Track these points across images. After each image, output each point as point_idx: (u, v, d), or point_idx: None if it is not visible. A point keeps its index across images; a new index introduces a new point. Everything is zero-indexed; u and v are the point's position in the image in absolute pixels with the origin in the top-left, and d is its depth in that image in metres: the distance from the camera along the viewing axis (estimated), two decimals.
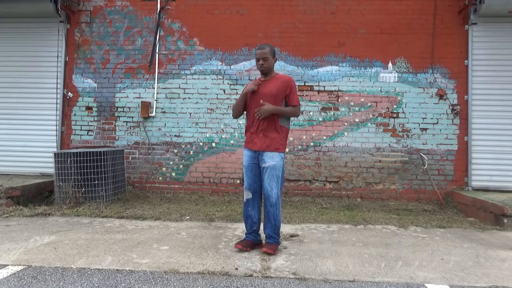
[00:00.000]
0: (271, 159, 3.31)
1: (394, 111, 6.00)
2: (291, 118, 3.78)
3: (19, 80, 6.46)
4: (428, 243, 3.78)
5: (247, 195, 3.43)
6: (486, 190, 5.72)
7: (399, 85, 6.02)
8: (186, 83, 6.28)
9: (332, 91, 6.09)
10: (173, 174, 6.21)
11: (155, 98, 6.28)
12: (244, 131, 3.64)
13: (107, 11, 6.44)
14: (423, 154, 5.83)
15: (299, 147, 6.07)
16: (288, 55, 6.16)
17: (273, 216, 3.32)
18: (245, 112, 3.59)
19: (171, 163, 6.22)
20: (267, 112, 3.29)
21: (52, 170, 5.65)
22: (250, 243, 3.41)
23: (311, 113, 6.09)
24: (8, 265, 2.93)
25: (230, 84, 6.21)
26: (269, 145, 3.35)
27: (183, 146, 6.22)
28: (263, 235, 3.48)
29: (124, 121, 6.35)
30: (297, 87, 6.01)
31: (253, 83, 3.46)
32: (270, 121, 3.36)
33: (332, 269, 2.97)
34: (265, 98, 3.34)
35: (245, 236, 3.50)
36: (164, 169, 6.23)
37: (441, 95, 5.92)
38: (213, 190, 6.11)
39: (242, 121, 5.78)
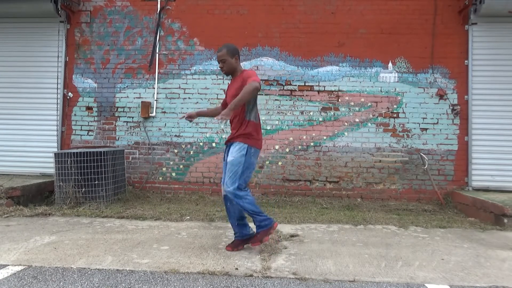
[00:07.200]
0: (230, 154, 3.31)
1: (394, 111, 6.00)
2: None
3: (19, 80, 6.46)
4: (428, 243, 3.78)
5: (223, 191, 3.40)
6: (486, 190, 5.72)
7: (399, 85, 6.02)
8: (186, 83, 6.28)
9: (332, 91, 6.09)
10: (173, 174, 6.21)
11: (155, 98, 6.28)
12: None
13: (107, 11, 6.44)
14: (423, 154, 5.83)
15: (299, 147, 6.07)
16: (288, 55, 6.16)
17: (241, 207, 3.24)
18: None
19: (171, 163, 6.22)
20: (224, 116, 3.07)
21: (52, 170, 5.65)
22: (239, 242, 3.42)
23: (311, 113, 6.09)
24: (8, 265, 2.93)
25: None
26: (233, 136, 3.37)
27: (183, 146, 6.21)
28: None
29: (124, 121, 6.35)
30: (297, 86, 6.12)
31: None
32: (235, 117, 3.36)
33: (332, 269, 2.97)
34: (230, 98, 3.33)
35: (234, 237, 3.50)
36: (164, 169, 6.23)
37: (441, 95, 5.92)
38: (213, 190, 6.11)
39: None
